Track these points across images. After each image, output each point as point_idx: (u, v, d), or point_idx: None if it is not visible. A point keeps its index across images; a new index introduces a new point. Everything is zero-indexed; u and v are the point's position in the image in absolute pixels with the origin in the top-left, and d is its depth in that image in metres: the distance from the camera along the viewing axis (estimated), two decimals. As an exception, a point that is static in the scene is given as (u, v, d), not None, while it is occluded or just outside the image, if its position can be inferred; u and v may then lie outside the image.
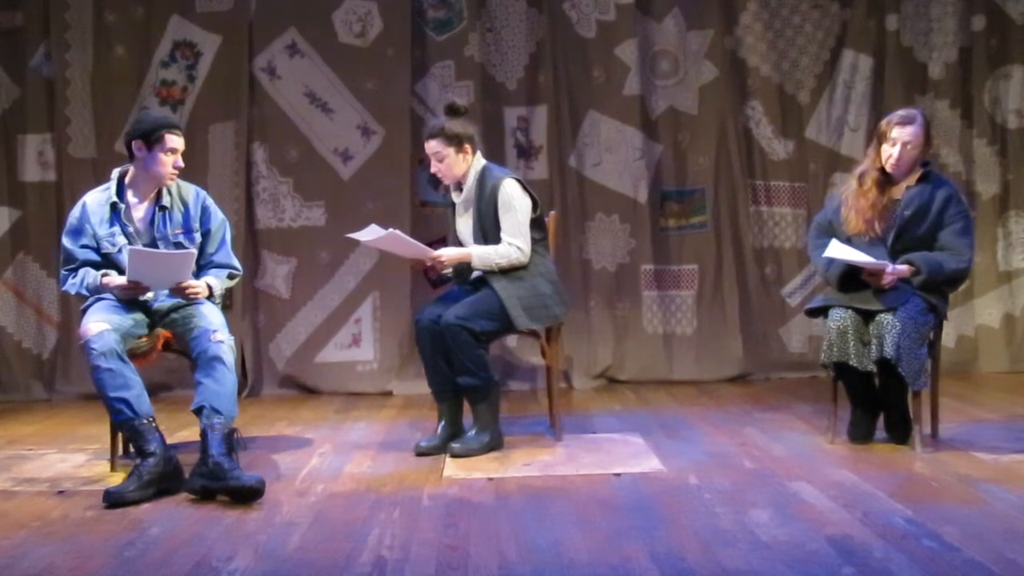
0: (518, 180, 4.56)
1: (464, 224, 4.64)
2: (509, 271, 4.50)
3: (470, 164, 4.56)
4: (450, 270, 4.66)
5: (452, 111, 4.57)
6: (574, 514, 3.49)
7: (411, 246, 4.57)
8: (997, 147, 6.67)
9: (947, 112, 6.63)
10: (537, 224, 4.57)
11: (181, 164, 4.24)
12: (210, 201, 4.40)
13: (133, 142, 4.19)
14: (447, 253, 4.57)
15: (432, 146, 4.52)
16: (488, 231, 4.53)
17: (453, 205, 4.69)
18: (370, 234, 4.44)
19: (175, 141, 4.19)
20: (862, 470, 4.00)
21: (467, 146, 4.53)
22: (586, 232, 6.61)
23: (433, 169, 4.59)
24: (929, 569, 2.85)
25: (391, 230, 4.47)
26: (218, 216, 4.39)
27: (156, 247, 4.21)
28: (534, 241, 4.54)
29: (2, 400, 6.31)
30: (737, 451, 4.43)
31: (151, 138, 4.16)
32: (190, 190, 4.36)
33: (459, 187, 4.62)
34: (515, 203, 4.49)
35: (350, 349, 6.51)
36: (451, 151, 4.50)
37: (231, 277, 4.44)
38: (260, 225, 6.50)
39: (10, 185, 6.49)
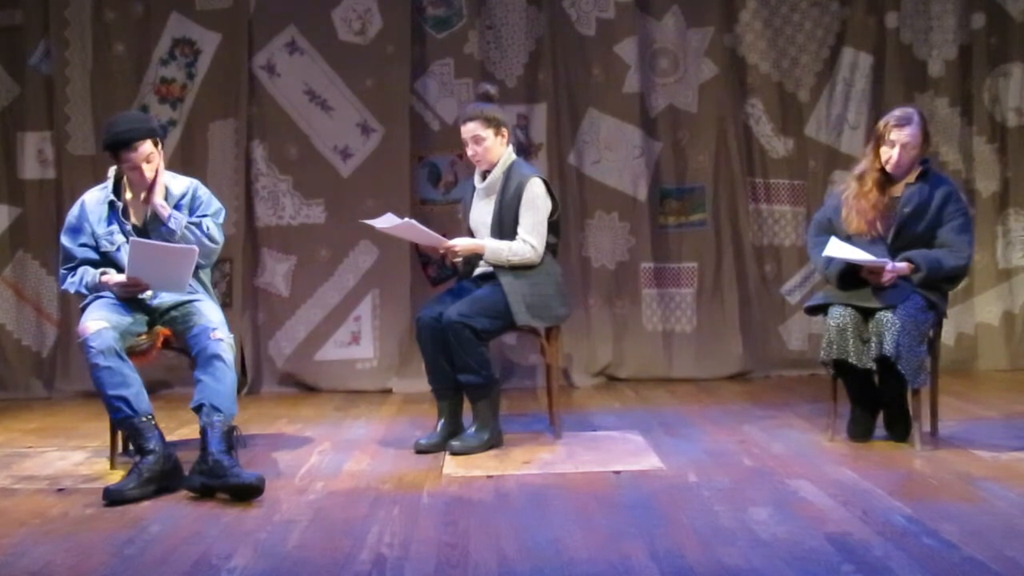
0: (545, 181, 4.60)
1: (480, 211, 4.66)
2: (518, 268, 4.51)
3: (504, 151, 4.59)
4: (460, 259, 4.66)
5: (487, 98, 4.64)
6: (573, 512, 3.49)
7: (425, 235, 4.61)
8: (996, 145, 6.67)
9: (947, 110, 6.63)
10: (552, 228, 4.59)
11: (146, 174, 4.13)
12: (203, 191, 4.35)
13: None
14: (461, 243, 4.59)
15: (471, 128, 4.54)
16: (506, 224, 4.55)
17: (473, 189, 4.71)
18: (386, 222, 4.51)
19: (128, 156, 4.10)
20: (861, 468, 4.00)
21: (504, 130, 4.58)
22: (586, 230, 6.61)
23: (469, 152, 4.60)
24: (928, 567, 2.85)
25: (407, 219, 4.55)
26: (214, 204, 4.35)
27: (151, 239, 4.19)
28: (547, 244, 4.56)
29: (2, 398, 6.30)
30: (736, 449, 4.43)
31: (113, 152, 4.15)
32: (183, 183, 4.34)
33: (484, 175, 4.64)
34: (539, 203, 4.53)
35: (350, 347, 6.51)
36: (490, 133, 4.53)
37: (206, 233, 4.20)
38: (260, 223, 6.49)
39: (9, 183, 6.49)
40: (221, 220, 4.35)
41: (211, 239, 4.24)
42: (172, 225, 4.15)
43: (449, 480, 4.00)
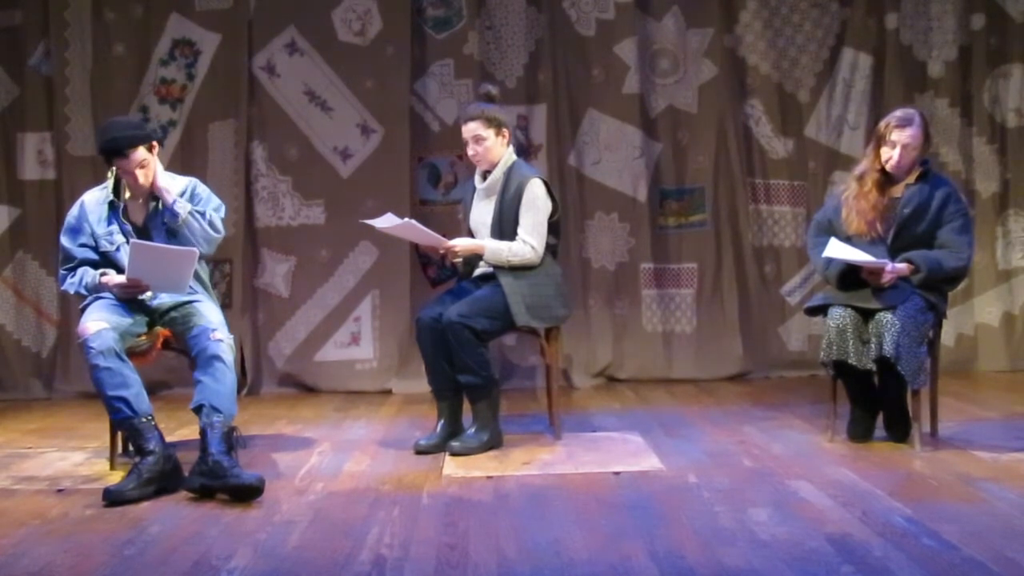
0: (545, 182, 4.60)
1: (480, 211, 4.66)
2: (517, 268, 4.51)
3: (504, 152, 4.59)
4: (460, 260, 4.66)
5: (489, 99, 4.65)
6: (573, 513, 3.49)
7: (425, 235, 4.61)
8: (996, 146, 6.68)
9: (947, 111, 6.63)
10: (552, 229, 4.59)
11: (139, 180, 4.14)
12: (202, 188, 4.35)
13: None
14: (461, 243, 4.59)
15: (471, 128, 4.55)
16: (506, 224, 4.56)
17: (473, 189, 4.72)
18: (386, 221, 4.51)
19: (120, 164, 4.11)
20: (861, 468, 4.00)
21: (505, 131, 4.59)
22: (585, 231, 6.61)
23: (470, 152, 4.61)
24: (928, 567, 2.85)
25: (407, 219, 4.56)
26: (214, 200, 4.35)
27: (151, 239, 4.20)
28: (547, 245, 4.56)
29: (1, 398, 6.30)
30: (736, 449, 4.43)
31: (106, 159, 4.15)
32: (182, 182, 4.34)
33: (484, 175, 4.64)
34: (539, 203, 4.54)
35: (349, 347, 6.51)
36: (491, 133, 4.54)
37: (209, 221, 4.23)
38: (259, 223, 6.49)
39: (9, 183, 6.49)
40: (223, 214, 4.36)
41: (214, 227, 4.25)
42: (177, 208, 4.15)
43: (449, 481, 4.00)
